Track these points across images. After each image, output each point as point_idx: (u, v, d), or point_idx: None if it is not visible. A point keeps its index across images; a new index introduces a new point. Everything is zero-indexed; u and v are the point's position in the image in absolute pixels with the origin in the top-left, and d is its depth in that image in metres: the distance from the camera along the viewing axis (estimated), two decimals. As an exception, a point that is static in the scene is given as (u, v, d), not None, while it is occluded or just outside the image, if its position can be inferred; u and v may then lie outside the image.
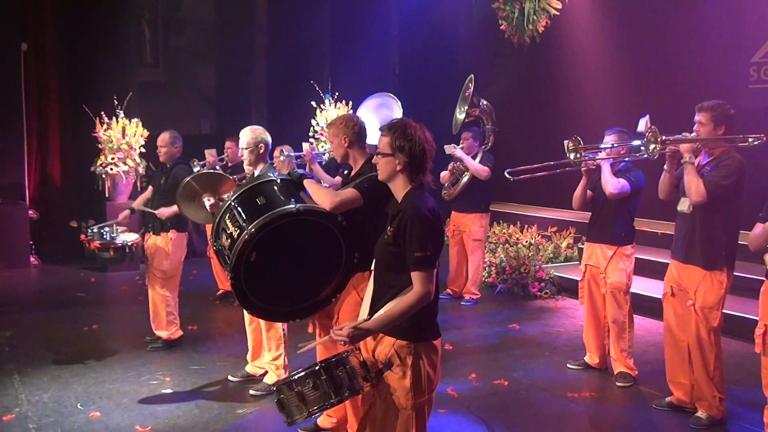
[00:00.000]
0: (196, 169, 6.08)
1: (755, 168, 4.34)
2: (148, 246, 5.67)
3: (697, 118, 4.21)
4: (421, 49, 11.07)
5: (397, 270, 2.73)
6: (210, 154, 6.82)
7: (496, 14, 9.41)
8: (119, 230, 5.64)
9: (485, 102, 7.24)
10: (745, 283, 5.76)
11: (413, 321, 2.70)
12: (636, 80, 8.94)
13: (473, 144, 7.10)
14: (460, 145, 7.09)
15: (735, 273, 4.33)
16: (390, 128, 2.80)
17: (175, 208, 5.45)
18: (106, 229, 5.54)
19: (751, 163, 4.28)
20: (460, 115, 7.19)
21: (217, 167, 6.87)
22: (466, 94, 7.15)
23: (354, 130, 3.81)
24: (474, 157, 7.06)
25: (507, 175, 5.45)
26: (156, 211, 5.54)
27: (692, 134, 4.22)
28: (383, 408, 2.78)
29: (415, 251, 2.65)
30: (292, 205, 3.53)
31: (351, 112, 8.77)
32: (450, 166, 7.19)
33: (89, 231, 5.52)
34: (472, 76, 7.20)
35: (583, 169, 4.99)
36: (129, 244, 5.50)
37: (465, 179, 7.09)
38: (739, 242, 4.29)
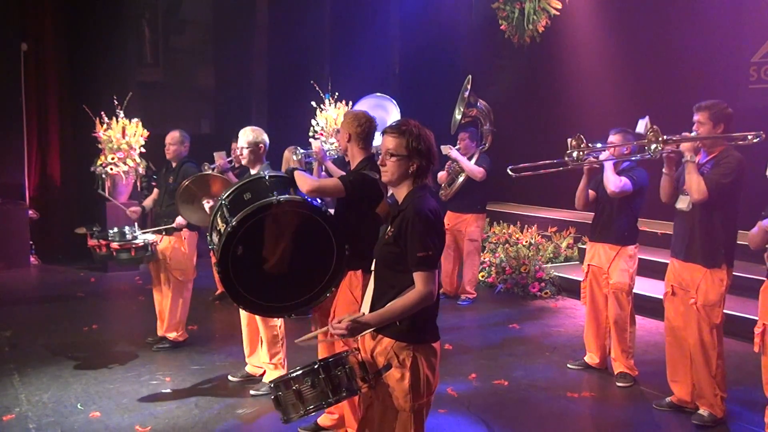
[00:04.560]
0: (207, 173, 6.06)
1: (753, 168, 4.32)
2: (162, 249, 5.65)
3: (695, 117, 4.24)
4: (421, 49, 11.06)
5: (398, 270, 2.72)
6: (219, 156, 6.81)
7: (496, 14, 9.39)
8: (139, 230, 5.63)
9: (483, 102, 7.25)
10: (745, 282, 5.76)
11: (412, 322, 2.69)
12: (636, 80, 8.94)
13: (470, 144, 7.11)
14: (457, 146, 7.10)
15: (736, 273, 4.34)
16: (404, 130, 2.75)
17: None
18: (127, 228, 5.53)
19: (750, 163, 4.28)
20: (458, 116, 7.21)
21: (227, 169, 6.84)
22: (465, 95, 7.16)
23: (355, 128, 3.80)
24: (471, 158, 7.07)
25: (509, 172, 5.43)
26: (174, 224, 5.55)
27: (692, 134, 4.24)
28: (381, 410, 2.76)
29: (417, 251, 2.64)
30: (274, 197, 3.54)
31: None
32: (446, 167, 7.20)
33: (111, 232, 5.47)
34: (470, 77, 7.21)
35: (585, 167, 4.97)
36: (150, 242, 5.50)
37: (461, 180, 7.12)
38: (739, 242, 4.30)
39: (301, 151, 5.05)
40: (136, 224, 5.74)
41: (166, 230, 5.63)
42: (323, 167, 5.39)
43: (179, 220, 5.52)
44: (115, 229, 5.51)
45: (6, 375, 5.15)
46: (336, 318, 2.81)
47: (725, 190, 4.11)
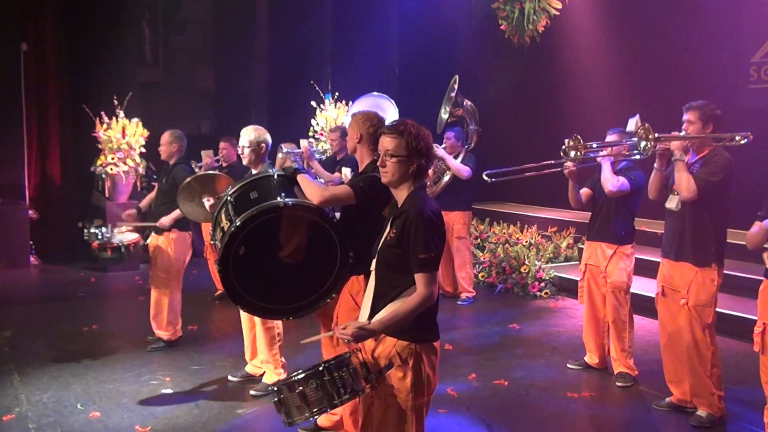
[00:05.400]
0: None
1: (744, 168, 4.36)
2: (151, 245, 5.66)
3: (685, 117, 4.27)
4: (421, 49, 11.07)
5: (400, 271, 2.73)
6: (206, 155, 6.82)
7: (496, 14, 9.40)
8: (116, 231, 5.64)
9: (469, 102, 7.26)
10: (744, 282, 5.77)
11: (415, 322, 2.70)
12: (636, 80, 8.94)
13: (456, 144, 7.14)
14: (443, 145, 7.11)
15: (735, 273, 4.35)
16: (402, 130, 2.75)
17: (174, 214, 5.46)
18: (103, 229, 5.56)
19: (740, 163, 4.30)
20: (444, 115, 7.23)
21: (215, 168, 6.87)
22: (451, 95, 7.18)
23: (367, 128, 3.74)
24: (456, 157, 7.09)
25: (485, 177, 5.50)
26: (157, 223, 5.55)
27: (681, 133, 4.26)
28: (382, 409, 2.77)
29: (420, 253, 2.64)
30: (280, 199, 3.52)
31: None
32: (432, 165, 7.21)
33: (87, 232, 5.53)
34: (457, 76, 7.23)
35: (565, 172, 4.95)
36: (125, 244, 5.51)
37: (446, 178, 7.13)
38: (737, 242, 4.30)
39: (285, 149, 4.97)
40: (110, 225, 5.75)
41: (150, 229, 5.62)
42: (311, 167, 5.37)
43: (162, 219, 5.53)
44: (92, 230, 5.55)
45: (6, 375, 5.15)
46: (341, 324, 2.80)
47: (714, 189, 4.12)
